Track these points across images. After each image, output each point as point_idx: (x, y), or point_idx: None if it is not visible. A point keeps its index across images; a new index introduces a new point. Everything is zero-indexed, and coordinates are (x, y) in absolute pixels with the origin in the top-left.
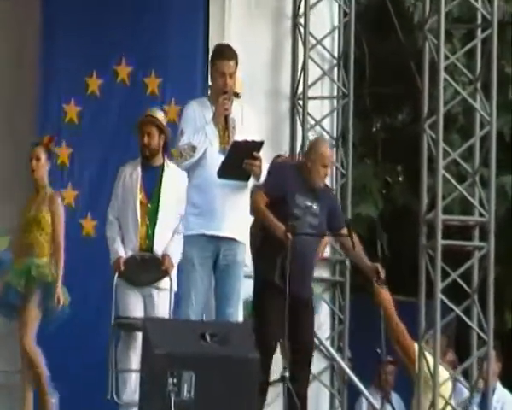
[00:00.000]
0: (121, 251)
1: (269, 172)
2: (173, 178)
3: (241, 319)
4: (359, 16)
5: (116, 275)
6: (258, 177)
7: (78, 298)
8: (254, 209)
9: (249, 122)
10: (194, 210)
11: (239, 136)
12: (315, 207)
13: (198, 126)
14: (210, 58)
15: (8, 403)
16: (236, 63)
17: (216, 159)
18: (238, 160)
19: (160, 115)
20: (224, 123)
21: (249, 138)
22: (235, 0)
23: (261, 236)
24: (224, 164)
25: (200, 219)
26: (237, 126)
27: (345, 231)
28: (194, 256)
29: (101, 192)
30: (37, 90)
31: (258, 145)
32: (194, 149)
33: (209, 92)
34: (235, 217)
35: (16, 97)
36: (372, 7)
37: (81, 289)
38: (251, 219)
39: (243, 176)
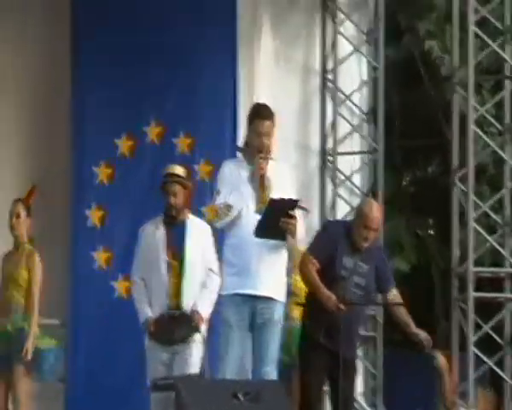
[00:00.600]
0: (149, 311)
1: (317, 235)
2: (197, 232)
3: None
4: (388, 70)
5: (147, 336)
6: (294, 235)
7: (112, 361)
8: (304, 275)
9: (284, 181)
10: (230, 270)
11: (275, 195)
12: (362, 267)
13: (234, 186)
14: (248, 117)
15: None
16: (273, 123)
17: (252, 218)
18: (274, 219)
19: (180, 170)
20: (259, 182)
21: (285, 197)
22: (264, 56)
23: (309, 295)
24: (260, 223)
25: (236, 279)
26: (273, 186)
27: (392, 292)
28: (230, 316)
29: (133, 253)
30: (68, 153)
31: (294, 204)
32: (230, 208)
33: (239, 150)
34: (271, 276)
35: (48, 160)
36: (400, 60)
37: (114, 352)
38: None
39: (280, 235)
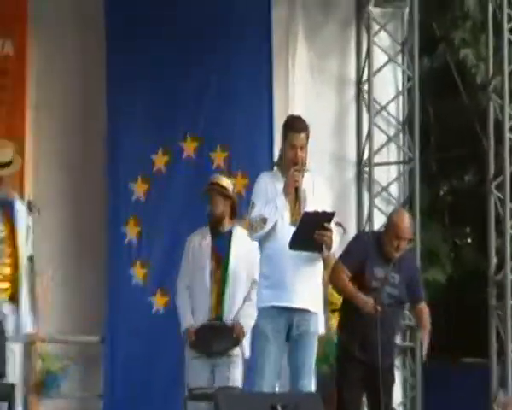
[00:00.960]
0: (191, 321)
1: (349, 245)
2: (242, 243)
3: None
4: (422, 80)
5: (187, 345)
6: (329, 248)
7: (149, 375)
8: (336, 284)
9: (320, 193)
10: (265, 282)
11: (310, 207)
12: (394, 277)
13: (269, 198)
14: (282, 130)
15: None
16: (307, 135)
17: (287, 230)
18: (309, 231)
19: (223, 181)
20: (294, 195)
21: (320, 209)
22: (299, 68)
23: (343, 307)
24: (295, 235)
25: (271, 291)
26: (308, 198)
27: (421, 304)
28: (267, 329)
29: (172, 268)
30: (104, 169)
31: (329, 216)
32: (265, 221)
33: (276, 164)
34: (307, 288)
35: (83, 178)
36: (435, 70)
37: (152, 367)
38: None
39: (315, 247)
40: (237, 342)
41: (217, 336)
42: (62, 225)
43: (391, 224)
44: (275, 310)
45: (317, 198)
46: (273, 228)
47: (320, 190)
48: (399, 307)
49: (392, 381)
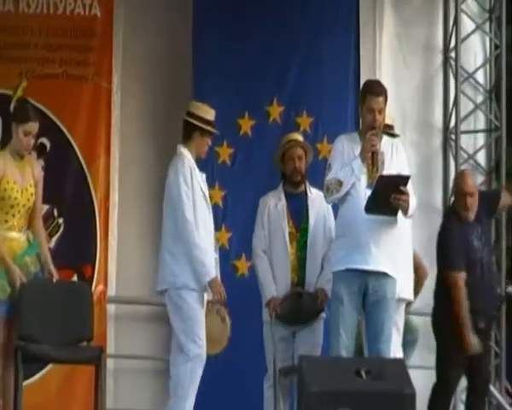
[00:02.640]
0: (274, 290)
1: (448, 247)
2: (318, 203)
3: (393, 355)
4: (510, 48)
5: (271, 317)
6: (405, 211)
7: (236, 339)
8: (457, 301)
9: (399, 157)
10: (340, 244)
11: (388, 171)
12: (480, 231)
13: (346, 161)
14: (360, 94)
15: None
16: (386, 99)
17: (363, 194)
18: (385, 195)
19: (301, 137)
20: (371, 158)
21: (395, 173)
22: (386, 36)
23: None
24: (370, 199)
25: (346, 254)
26: (387, 162)
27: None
28: (341, 291)
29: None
30: None
31: (404, 180)
32: (340, 183)
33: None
34: (383, 251)
35: (168, 142)
36: None
37: (235, 333)
38: (402, 254)
39: (391, 211)
40: (322, 309)
41: (302, 307)
42: (145, 187)
43: (456, 187)
44: (350, 273)
45: (396, 162)
46: (349, 191)
47: (399, 154)
48: (491, 248)
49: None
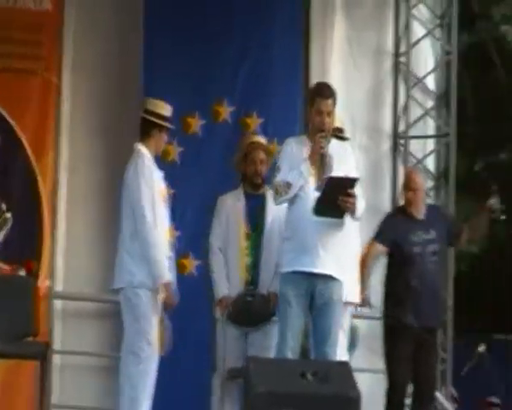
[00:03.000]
0: (226, 288)
1: (379, 226)
2: (277, 208)
3: (339, 358)
4: (460, 54)
5: (222, 315)
6: (353, 214)
7: (178, 340)
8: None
9: (348, 160)
10: (288, 247)
11: (336, 173)
12: (431, 234)
13: (294, 164)
14: (309, 96)
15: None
16: (335, 102)
17: (311, 196)
18: (333, 197)
19: (264, 141)
20: (319, 161)
21: (343, 175)
22: (337, 39)
23: (388, 279)
24: (318, 201)
25: (293, 256)
26: (335, 164)
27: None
28: (289, 293)
29: (203, 232)
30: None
31: (352, 182)
32: (289, 185)
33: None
34: (330, 254)
35: (117, 138)
36: (473, 45)
37: (181, 331)
38: (348, 256)
39: (338, 213)
40: (274, 312)
41: (253, 308)
42: (94, 184)
43: (404, 182)
44: (297, 275)
45: (345, 165)
46: (298, 193)
47: (347, 156)
48: (443, 263)
49: (436, 345)
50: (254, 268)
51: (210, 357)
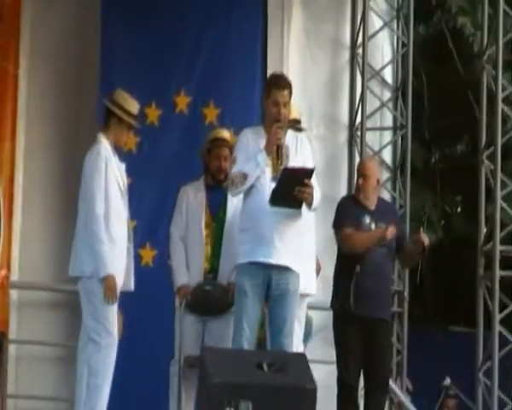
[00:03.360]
0: (185, 278)
1: (336, 211)
2: (238, 198)
3: (295, 349)
4: (418, 47)
5: (181, 304)
6: (309, 204)
7: (136, 330)
8: (350, 240)
9: (304, 151)
10: (244, 238)
11: (293, 164)
12: (380, 226)
13: (251, 154)
14: (264, 87)
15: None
16: (290, 92)
17: (268, 187)
18: (289, 187)
19: (228, 135)
20: (276, 151)
21: (300, 166)
22: (294, 30)
23: (336, 266)
24: (275, 192)
25: (250, 247)
26: (291, 155)
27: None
28: (245, 284)
29: (159, 222)
30: (95, 119)
31: (308, 172)
32: (245, 176)
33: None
34: (286, 245)
35: (74, 125)
36: (431, 37)
37: (140, 320)
38: (305, 248)
39: (295, 203)
40: (233, 303)
41: (211, 298)
42: (51, 172)
43: (357, 170)
44: (254, 266)
45: (301, 155)
46: (254, 184)
47: (303, 147)
48: (391, 257)
49: (390, 335)
50: (214, 258)
51: (171, 346)
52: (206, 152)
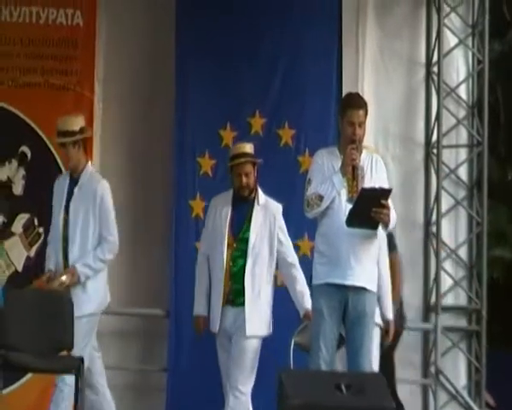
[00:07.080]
0: (202, 307)
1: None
2: (264, 214)
3: (374, 368)
4: (492, 63)
5: (198, 333)
6: (386, 225)
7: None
8: None
9: (379, 171)
10: (321, 259)
11: (368, 185)
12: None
13: (326, 176)
14: (340, 107)
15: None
16: (366, 112)
17: (343, 208)
18: (366, 208)
19: (249, 148)
20: (351, 172)
21: (377, 186)
22: (369, 50)
23: None
24: (352, 212)
25: (326, 268)
26: (367, 176)
27: None
28: (322, 305)
29: None
30: (171, 142)
31: (386, 193)
32: (321, 198)
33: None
34: (363, 266)
35: (150, 150)
36: (505, 53)
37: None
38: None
39: (372, 224)
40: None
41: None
42: (129, 199)
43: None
44: (331, 287)
45: (376, 176)
46: (330, 205)
47: (379, 167)
48: None
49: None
50: (233, 281)
51: None
52: (229, 169)
